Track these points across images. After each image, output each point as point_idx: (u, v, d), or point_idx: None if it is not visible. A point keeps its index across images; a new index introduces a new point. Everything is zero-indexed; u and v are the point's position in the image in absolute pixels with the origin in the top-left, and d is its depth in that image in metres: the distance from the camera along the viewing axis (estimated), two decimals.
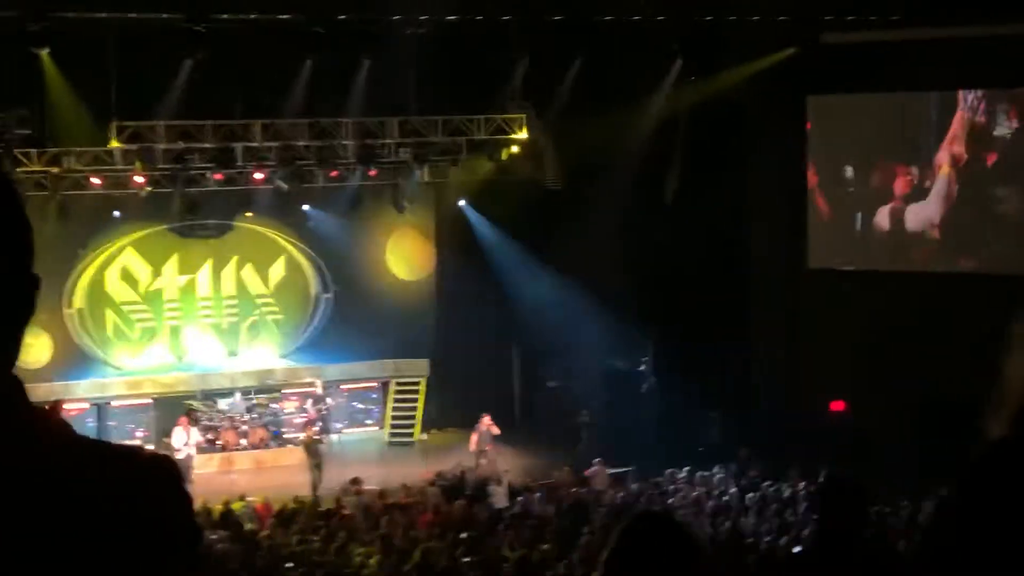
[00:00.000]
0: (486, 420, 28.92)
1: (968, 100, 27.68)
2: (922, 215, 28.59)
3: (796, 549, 18.19)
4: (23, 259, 2.01)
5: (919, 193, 28.69)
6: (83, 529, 1.87)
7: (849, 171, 29.67)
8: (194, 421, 29.93)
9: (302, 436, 30.12)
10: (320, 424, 31.72)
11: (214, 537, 20.94)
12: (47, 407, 1.95)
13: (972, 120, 27.72)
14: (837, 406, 29.21)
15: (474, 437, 28.79)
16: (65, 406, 29.41)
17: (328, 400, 32.59)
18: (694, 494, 24.37)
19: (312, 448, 28.83)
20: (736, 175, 30.32)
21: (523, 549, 18.47)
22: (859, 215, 29.65)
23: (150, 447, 30.25)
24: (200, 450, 29.70)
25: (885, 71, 27.80)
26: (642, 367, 30.97)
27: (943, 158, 28.12)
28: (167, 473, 2.04)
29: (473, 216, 33.16)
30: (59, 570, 1.85)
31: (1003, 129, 27.85)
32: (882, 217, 29.25)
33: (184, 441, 28.77)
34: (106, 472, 1.96)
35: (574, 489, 25.54)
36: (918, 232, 28.72)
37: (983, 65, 26.99)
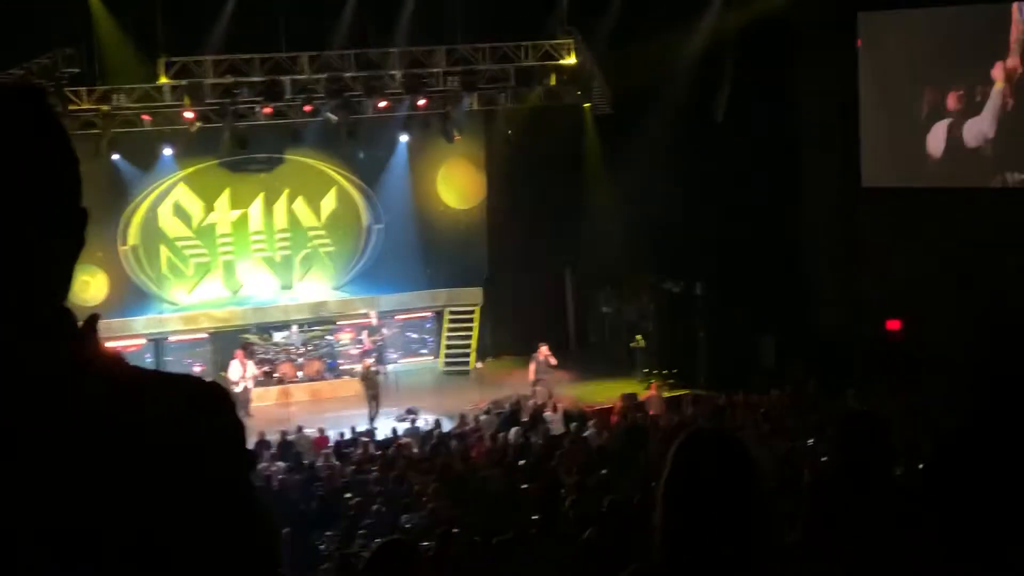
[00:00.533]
0: (544, 350, 28.93)
1: (1023, 12, 27.27)
2: (975, 130, 28.25)
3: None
4: (72, 192, 2.02)
5: (973, 109, 28.34)
6: (136, 456, 1.88)
7: (901, 88, 29.35)
8: (250, 354, 30.16)
9: (358, 367, 30.29)
10: (375, 355, 31.92)
11: (274, 468, 21.16)
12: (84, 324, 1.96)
13: None
14: (893, 325, 29.06)
15: (532, 367, 28.85)
16: (123, 342, 29.73)
17: (383, 331, 32.72)
18: (749, 416, 24.38)
19: (368, 379, 29.00)
20: (787, 95, 30.06)
21: (580, 475, 18.52)
22: (912, 132, 29.36)
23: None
24: (257, 383, 29.97)
25: None
26: (696, 290, 30.88)
27: (997, 73, 27.76)
28: (219, 398, 2.05)
29: (522, 144, 33.03)
30: (116, 498, 1.86)
31: None
32: (935, 134, 28.94)
33: (240, 374, 29.02)
34: (157, 399, 1.97)
35: (630, 414, 25.58)
36: (973, 148, 28.40)
37: None
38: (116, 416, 1.90)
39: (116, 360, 2.01)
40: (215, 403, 2.04)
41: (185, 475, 1.93)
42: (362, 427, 26.04)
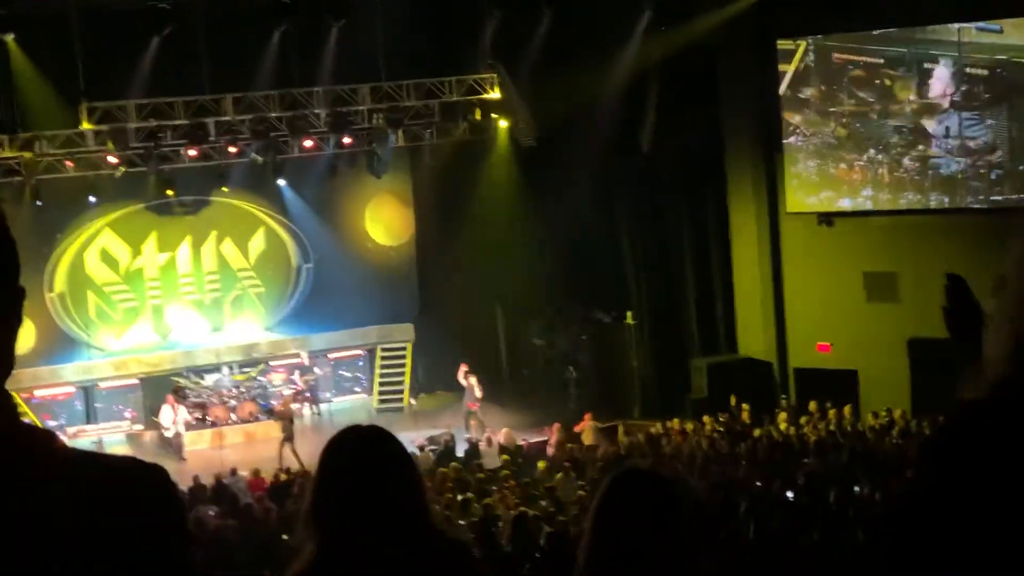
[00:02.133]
0: (463, 370, 29.27)
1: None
2: (889, 148, 28.62)
3: (789, 494, 18.30)
4: (10, 275, 2.01)
5: (891, 131, 28.67)
6: (75, 542, 1.87)
7: (821, 113, 29.62)
8: (181, 398, 30.02)
9: (277, 408, 30.12)
10: (308, 395, 31.90)
11: (211, 513, 20.98)
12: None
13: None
14: (823, 348, 29.30)
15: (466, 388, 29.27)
16: (52, 390, 29.50)
17: (315, 370, 32.63)
18: (686, 444, 24.47)
19: (284, 420, 28.92)
20: (709, 123, 30.27)
21: (518, 508, 18.50)
22: (833, 158, 29.63)
23: (139, 426, 30.35)
24: (190, 426, 29.86)
25: (852, 11, 27.81)
26: (627, 320, 30.98)
27: (914, 96, 28.12)
28: (160, 483, 2.03)
29: (449, 178, 33.09)
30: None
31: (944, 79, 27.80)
32: (855, 155, 29.24)
33: (172, 418, 28.90)
34: (98, 485, 1.95)
35: (566, 445, 25.60)
36: (892, 171, 28.71)
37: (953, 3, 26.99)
38: (60, 502, 1.89)
39: (58, 445, 2.00)
40: (156, 489, 2.03)
41: (127, 557, 1.91)
42: (296, 467, 25.89)
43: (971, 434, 2.30)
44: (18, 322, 2.01)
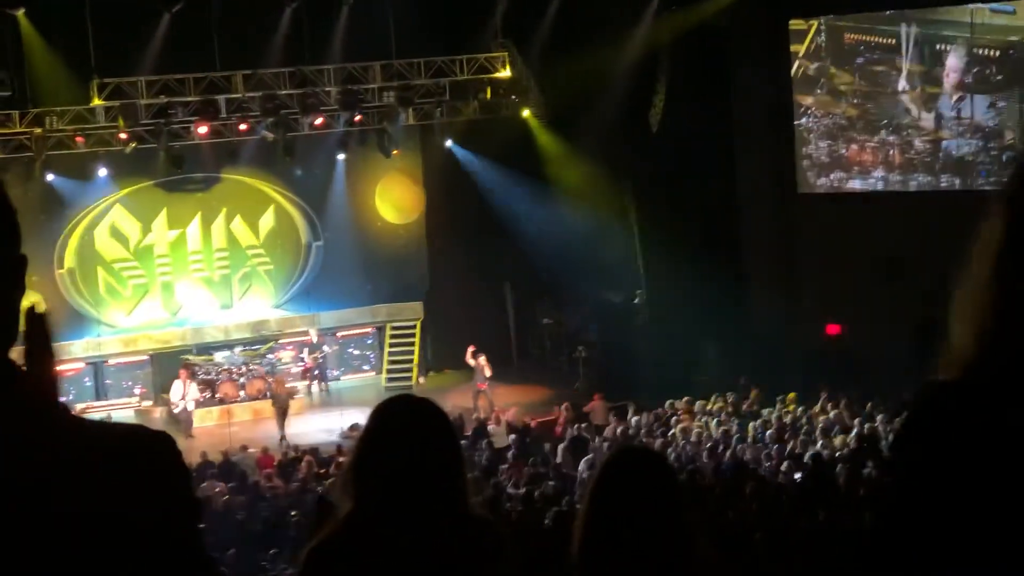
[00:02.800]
0: (471, 351, 29.31)
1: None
2: (902, 131, 28.56)
3: (797, 475, 18.32)
4: (12, 242, 2.01)
5: (901, 115, 28.61)
6: (84, 510, 1.87)
7: (832, 94, 29.57)
8: (192, 375, 30.03)
9: (274, 389, 30.23)
10: (317, 372, 31.95)
11: (217, 489, 21.05)
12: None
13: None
14: (833, 330, 29.27)
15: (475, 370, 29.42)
16: (61, 367, 29.55)
17: (324, 348, 32.64)
18: (694, 424, 24.49)
19: (277, 396, 29.08)
20: (721, 103, 30.22)
21: (526, 487, 18.55)
22: (844, 138, 29.60)
23: (148, 402, 30.41)
24: (199, 403, 29.86)
25: None
26: (636, 299, 30.95)
27: (924, 77, 28.05)
28: (166, 450, 2.04)
29: (461, 156, 33.10)
30: (64, 551, 1.85)
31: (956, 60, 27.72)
32: (867, 136, 29.20)
33: (182, 394, 28.93)
34: (104, 450, 1.96)
35: (574, 425, 25.61)
36: (903, 152, 28.65)
37: None
38: (67, 471, 1.89)
39: (65, 413, 2.00)
40: (160, 455, 2.03)
41: (132, 531, 1.92)
42: (305, 444, 25.94)
43: (941, 420, 2.27)
44: (21, 291, 2.02)
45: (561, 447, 23.61)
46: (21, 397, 1.96)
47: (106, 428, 2.06)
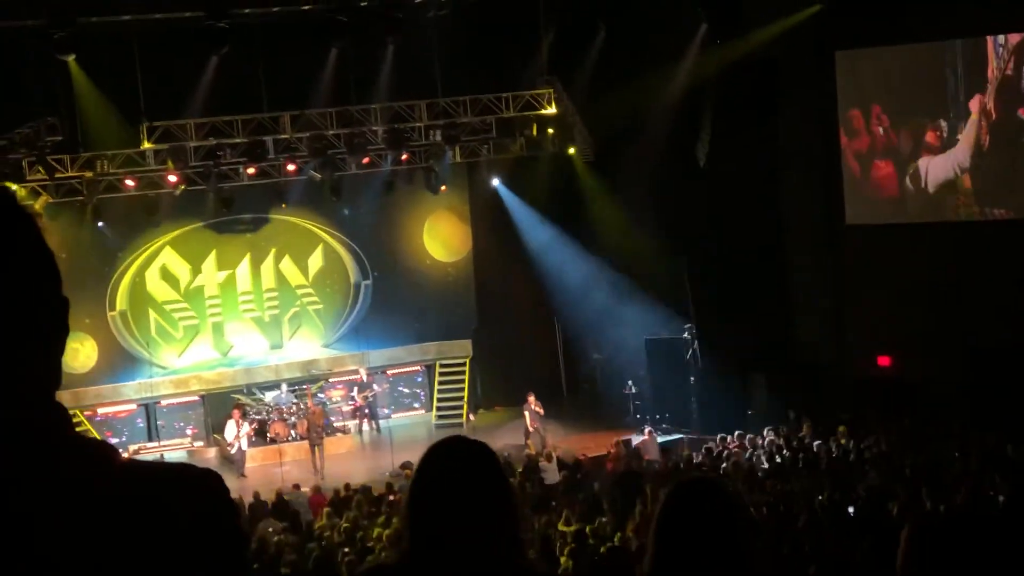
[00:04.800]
0: (531, 399, 29.09)
1: (998, 52, 27.43)
2: (951, 161, 28.41)
3: (850, 508, 18.20)
4: (53, 285, 2.03)
5: (950, 145, 28.51)
6: (138, 550, 1.89)
7: (881, 126, 29.50)
8: (244, 415, 30.15)
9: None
10: (367, 411, 32.00)
11: (270, 530, 21.08)
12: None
13: (1002, 73, 27.48)
14: (884, 361, 29.12)
15: (526, 415, 29.10)
16: (114, 408, 29.77)
17: (374, 386, 32.68)
18: (745, 458, 24.38)
19: (312, 426, 29.30)
20: (767, 136, 30.20)
21: (578, 523, 18.49)
22: (893, 169, 29.50)
23: (200, 443, 30.55)
24: (251, 443, 29.95)
25: (912, 22, 27.65)
26: (685, 334, 30.90)
27: (973, 107, 27.92)
28: (215, 488, 2.06)
29: (507, 194, 33.19)
30: None
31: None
32: (915, 170, 29.09)
33: (235, 434, 29.03)
34: (156, 492, 1.98)
35: (625, 460, 25.55)
36: (951, 180, 28.51)
37: (1013, 11, 26.74)
38: (119, 510, 1.92)
39: (114, 454, 2.03)
40: (213, 494, 2.06)
41: (187, 563, 1.94)
42: (356, 482, 25.94)
43: None
44: (64, 332, 2.04)
45: (612, 483, 23.54)
46: (71, 438, 1.99)
47: (155, 468, 2.09)
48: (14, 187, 26.88)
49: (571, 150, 31.84)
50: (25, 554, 1.84)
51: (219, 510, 2.04)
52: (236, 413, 29.62)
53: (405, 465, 26.17)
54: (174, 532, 1.94)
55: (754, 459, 24.27)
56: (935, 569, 3.67)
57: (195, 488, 2.04)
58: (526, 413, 29.08)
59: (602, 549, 15.16)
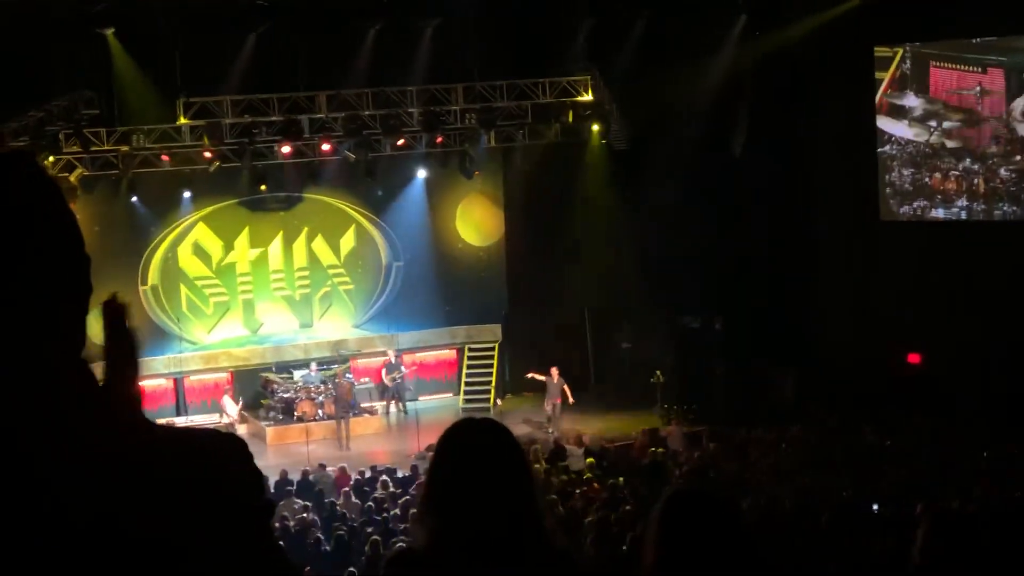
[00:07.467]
0: (554, 371, 29.35)
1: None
2: (985, 158, 28.31)
3: (875, 506, 18.16)
4: (76, 244, 2.05)
5: (989, 141, 28.38)
6: (161, 508, 1.91)
7: (917, 122, 29.37)
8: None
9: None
10: (395, 393, 32.05)
11: (295, 507, 21.15)
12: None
13: None
14: (913, 358, 29.01)
15: (548, 388, 29.54)
16: (144, 382, 29.88)
17: (402, 368, 32.70)
18: (770, 452, 24.33)
19: (340, 399, 29.97)
20: (803, 128, 30.11)
21: (602, 511, 18.48)
22: (926, 168, 29.38)
23: (228, 419, 30.66)
24: (278, 421, 30.10)
25: (951, 19, 27.53)
26: (715, 325, 30.83)
27: (1017, 105, 27.78)
28: (237, 449, 2.08)
29: (542, 179, 33.11)
30: (140, 549, 1.88)
31: None
32: (951, 165, 28.97)
33: (237, 409, 29.79)
34: (179, 452, 2.00)
35: (651, 450, 25.52)
36: (988, 181, 28.40)
37: None
38: (144, 469, 1.93)
39: (138, 414, 2.04)
40: (235, 455, 2.07)
41: (211, 523, 1.95)
42: (382, 463, 25.99)
43: None
44: (88, 291, 2.06)
45: (637, 472, 23.53)
46: (96, 395, 2.00)
47: (180, 431, 2.10)
48: (51, 158, 27.07)
49: (606, 136, 31.75)
50: (54, 513, 1.86)
51: (244, 471, 2.06)
52: (230, 391, 30.23)
53: (431, 448, 26.12)
54: (199, 494, 1.96)
55: (780, 452, 24.21)
56: (949, 565, 3.68)
57: (220, 451, 2.05)
58: (548, 386, 29.38)
59: (627, 538, 15.15)
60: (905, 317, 28.83)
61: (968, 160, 28.73)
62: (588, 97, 31.26)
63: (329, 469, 25.20)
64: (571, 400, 29.51)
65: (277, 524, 18.69)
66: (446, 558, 3.59)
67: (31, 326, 1.95)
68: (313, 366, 31.89)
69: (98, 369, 2.06)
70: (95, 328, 2.09)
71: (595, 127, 31.64)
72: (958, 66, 28.51)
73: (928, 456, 22.32)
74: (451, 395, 33.89)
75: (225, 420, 29.61)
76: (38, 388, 1.93)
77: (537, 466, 23.88)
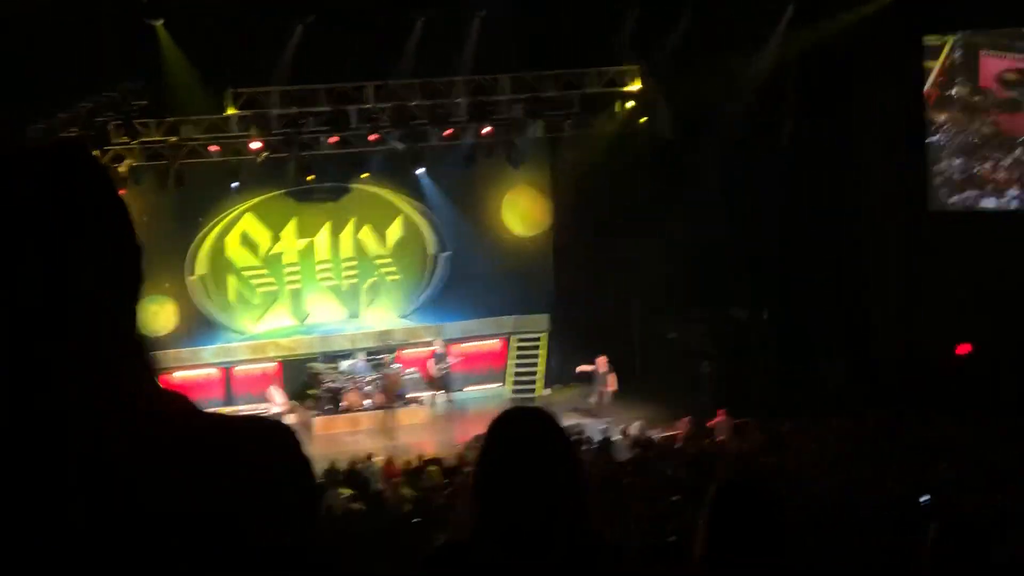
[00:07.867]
0: (601, 360, 29.31)
1: None
2: None
3: (924, 498, 18.07)
4: (128, 232, 2.08)
5: None
6: (210, 495, 1.93)
7: (967, 111, 29.18)
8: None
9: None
10: (442, 382, 32.11)
11: (343, 498, 21.20)
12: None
13: None
14: (963, 349, 28.82)
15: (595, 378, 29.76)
16: (192, 372, 30.10)
17: (449, 358, 32.75)
18: (816, 443, 24.24)
19: (388, 390, 30.17)
20: (851, 118, 29.96)
21: (649, 502, 18.47)
22: (980, 156, 29.18)
23: (276, 409, 30.82)
24: (325, 411, 30.22)
25: (1002, 7, 27.35)
26: (763, 316, 30.74)
27: None
28: (285, 438, 2.10)
29: (587, 169, 33.06)
30: (186, 536, 1.90)
31: None
32: (1001, 155, 28.77)
33: (284, 400, 29.88)
34: (228, 440, 2.02)
35: (697, 440, 25.48)
36: None
37: None
38: (192, 457, 1.95)
39: (186, 402, 2.07)
40: (284, 443, 2.09)
41: (258, 510, 1.97)
42: (429, 454, 26.04)
43: None
44: (140, 280, 2.09)
45: (683, 462, 23.49)
46: (153, 388, 2.03)
47: (229, 419, 2.12)
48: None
49: (654, 126, 31.68)
50: (109, 500, 1.88)
51: (291, 459, 2.08)
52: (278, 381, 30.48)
53: (479, 438, 26.18)
54: (248, 480, 1.98)
55: (827, 445, 24.11)
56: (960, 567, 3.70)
57: (269, 439, 2.08)
58: (595, 376, 29.44)
59: (671, 528, 15.13)
60: (954, 308, 28.63)
61: (1019, 150, 28.50)
62: (636, 87, 31.20)
63: (376, 459, 25.28)
64: (618, 390, 29.50)
65: (323, 513, 18.74)
66: (483, 549, 3.60)
67: (87, 314, 1.97)
68: (361, 356, 31.99)
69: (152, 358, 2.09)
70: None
71: (642, 118, 31.57)
72: (1009, 54, 28.30)
73: (975, 451, 22.17)
74: (498, 385, 33.93)
75: (274, 410, 29.72)
76: (94, 375, 1.95)
77: (583, 456, 23.89)
